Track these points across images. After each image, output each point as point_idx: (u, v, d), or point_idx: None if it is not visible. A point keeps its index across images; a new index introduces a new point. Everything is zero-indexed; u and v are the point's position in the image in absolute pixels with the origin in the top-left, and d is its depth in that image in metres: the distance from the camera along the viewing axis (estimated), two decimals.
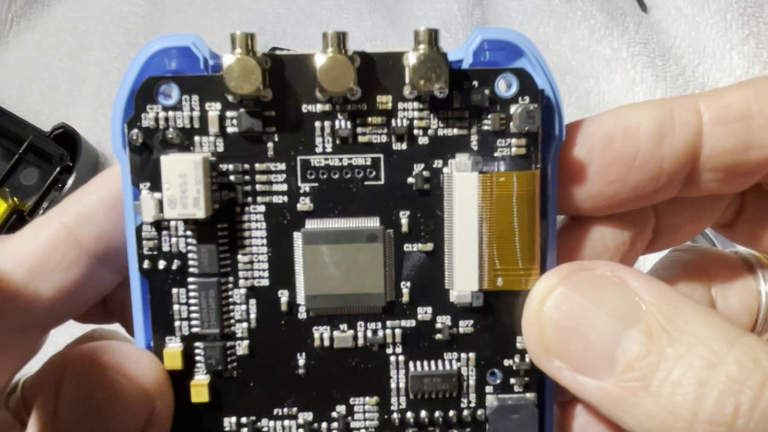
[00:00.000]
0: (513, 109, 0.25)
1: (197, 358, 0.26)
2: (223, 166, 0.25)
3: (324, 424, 0.27)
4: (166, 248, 0.25)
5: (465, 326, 0.27)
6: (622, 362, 0.22)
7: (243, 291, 0.26)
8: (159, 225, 0.25)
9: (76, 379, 0.25)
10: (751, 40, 0.50)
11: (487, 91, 0.25)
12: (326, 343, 0.26)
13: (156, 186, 0.25)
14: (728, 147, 0.25)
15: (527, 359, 0.27)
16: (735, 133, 0.25)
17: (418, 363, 0.27)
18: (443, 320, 0.26)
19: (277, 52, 0.25)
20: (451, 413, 0.27)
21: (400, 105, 0.25)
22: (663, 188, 0.26)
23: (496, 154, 0.25)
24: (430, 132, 0.25)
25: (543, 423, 0.28)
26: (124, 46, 0.50)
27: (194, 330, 0.26)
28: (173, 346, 0.26)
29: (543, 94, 0.25)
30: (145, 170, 0.25)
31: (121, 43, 0.50)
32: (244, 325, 0.26)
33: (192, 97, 0.25)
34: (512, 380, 0.27)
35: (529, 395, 0.27)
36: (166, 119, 0.25)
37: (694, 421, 0.21)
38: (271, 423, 0.27)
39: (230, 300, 0.26)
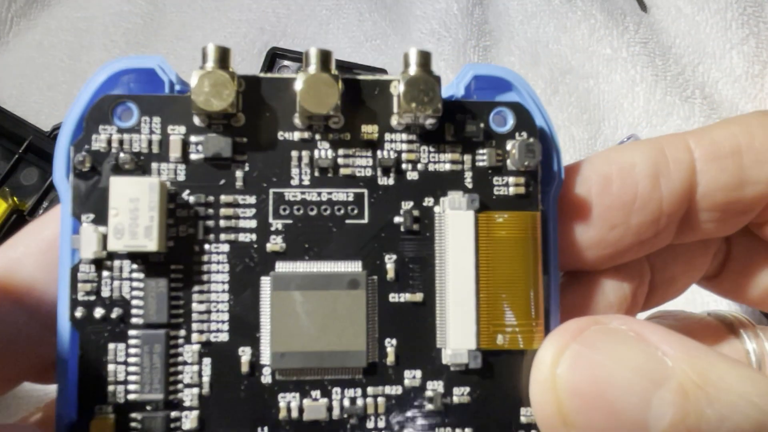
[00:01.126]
0: (510, 144, 0.23)
1: None
2: (184, 197, 0.22)
3: None
4: (105, 293, 0.21)
5: (460, 394, 0.22)
6: (657, 429, 0.19)
7: (196, 347, 0.22)
8: (100, 264, 0.21)
9: None
10: (751, 40, 0.50)
11: (482, 125, 0.23)
12: (294, 414, 0.22)
13: (101, 218, 0.21)
14: (723, 184, 0.24)
15: None
16: (728, 169, 0.24)
17: None
18: (435, 386, 0.22)
19: (259, 74, 0.22)
20: None
21: (387, 136, 0.23)
22: (662, 232, 0.24)
23: (493, 193, 0.23)
24: (419, 166, 0.23)
25: None
26: (124, 46, 0.50)
27: (132, 396, 0.21)
28: (104, 417, 0.21)
29: (541, 132, 0.24)
30: (90, 199, 0.21)
31: (121, 43, 0.50)
32: (195, 390, 0.21)
33: (153, 118, 0.22)
34: None
35: None
36: (121, 142, 0.22)
37: None
38: None
39: (180, 359, 0.21)
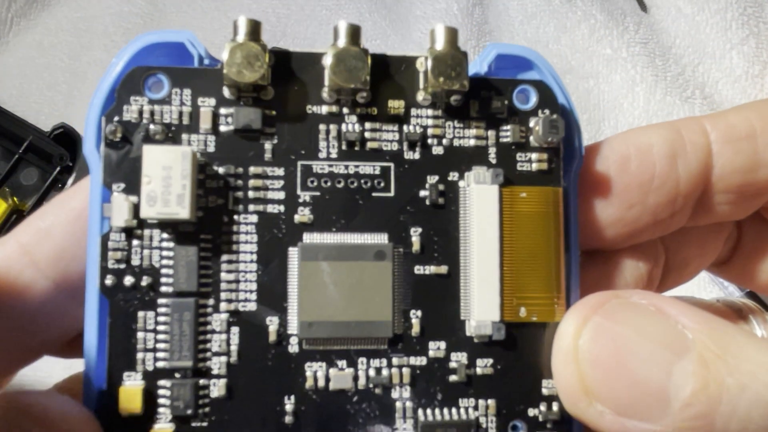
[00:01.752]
0: (533, 121, 0.23)
1: (161, 400, 0.21)
2: (213, 168, 0.22)
3: None
4: (136, 261, 0.22)
5: (484, 366, 0.23)
6: (678, 399, 0.19)
7: (224, 316, 0.22)
8: (130, 233, 0.22)
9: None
10: (751, 40, 0.51)
11: (506, 101, 0.23)
12: (320, 383, 0.22)
13: (131, 188, 0.21)
14: (738, 166, 0.24)
15: (555, 408, 0.23)
16: (743, 151, 0.24)
17: (429, 410, 0.22)
18: (459, 358, 0.23)
19: (292, 49, 0.23)
20: None
21: (413, 111, 0.23)
22: (678, 212, 0.25)
23: (516, 169, 0.23)
24: (445, 141, 0.23)
25: None
26: (124, 46, 0.49)
27: (160, 364, 0.21)
28: (132, 384, 0.21)
29: (563, 110, 0.24)
30: (121, 169, 0.22)
31: (121, 43, 0.50)
32: (223, 359, 0.22)
33: (183, 90, 0.22)
34: None
35: None
36: (152, 113, 0.22)
37: None
38: None
39: (208, 327, 0.22)
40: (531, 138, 0.23)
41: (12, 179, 0.51)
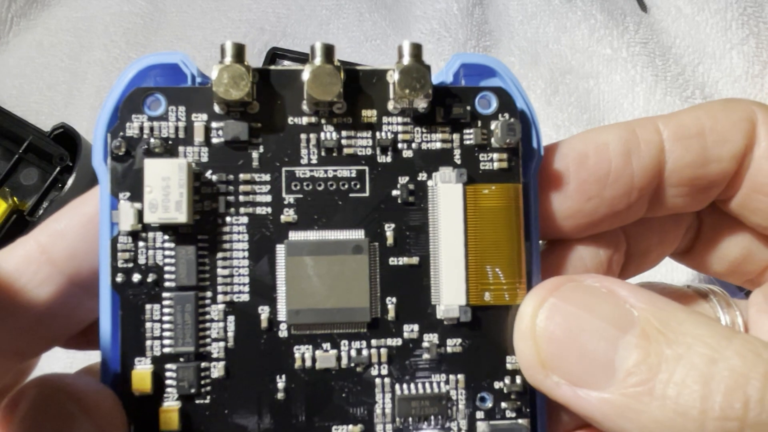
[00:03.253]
0: (494, 124, 0.26)
1: (168, 381, 0.24)
2: (207, 176, 0.25)
3: None
4: (142, 260, 0.24)
5: (453, 345, 0.26)
6: (622, 369, 0.22)
7: (221, 307, 0.25)
8: (136, 236, 0.24)
9: (26, 406, 0.23)
10: (751, 40, 0.51)
11: (468, 107, 0.26)
12: (308, 363, 0.25)
13: (136, 196, 0.24)
14: (688, 161, 0.26)
15: (518, 381, 0.26)
16: (693, 148, 0.26)
17: (405, 385, 0.25)
18: (430, 338, 0.25)
19: (271, 67, 0.25)
20: None
21: (385, 119, 0.26)
22: (634, 205, 0.27)
23: (479, 168, 0.26)
24: (414, 145, 0.26)
25: None
26: (124, 46, 0.50)
27: (167, 350, 0.24)
28: (143, 368, 0.24)
29: (522, 114, 0.26)
30: (126, 179, 0.24)
31: (121, 43, 0.50)
32: (221, 344, 0.25)
33: (179, 107, 0.25)
34: (503, 404, 0.26)
35: (522, 421, 0.25)
36: (151, 129, 0.25)
37: (704, 419, 0.20)
38: None
39: (207, 317, 0.25)
40: (492, 140, 0.26)
41: (12, 179, 0.51)
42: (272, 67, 0.25)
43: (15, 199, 0.50)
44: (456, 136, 0.26)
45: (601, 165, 0.27)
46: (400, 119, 0.26)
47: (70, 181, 0.49)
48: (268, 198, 0.25)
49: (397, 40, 0.54)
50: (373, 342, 0.25)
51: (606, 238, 0.28)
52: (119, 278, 0.24)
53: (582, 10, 0.53)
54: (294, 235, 0.25)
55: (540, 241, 0.27)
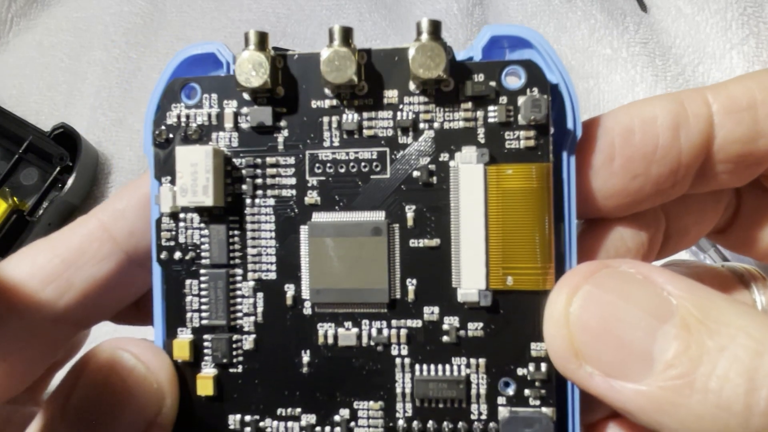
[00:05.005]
0: (520, 100, 0.24)
1: (205, 351, 0.26)
2: (237, 161, 0.26)
3: (327, 428, 0.26)
4: (182, 239, 0.27)
5: (474, 329, 0.25)
6: (661, 360, 0.20)
7: (251, 284, 0.26)
8: (176, 217, 0.27)
9: (96, 365, 0.26)
10: (751, 40, 0.49)
11: (493, 83, 0.25)
12: (330, 340, 0.26)
13: (175, 180, 0.26)
14: (739, 136, 0.24)
15: (543, 368, 0.25)
16: (744, 122, 0.24)
17: (424, 366, 0.25)
18: (451, 321, 0.25)
19: (283, 53, 0.26)
20: (460, 425, 0.25)
21: (406, 99, 0.25)
22: (680, 182, 0.25)
23: (504, 147, 0.25)
24: (435, 125, 0.25)
25: None
26: (124, 46, 0.50)
27: (204, 322, 0.26)
28: (183, 337, 0.26)
29: (556, 89, 0.25)
30: (167, 165, 0.26)
31: (121, 43, 0.50)
32: (251, 319, 0.26)
33: (211, 95, 0.26)
34: (527, 391, 0.25)
35: (546, 410, 0.25)
36: (188, 117, 0.26)
37: (749, 414, 0.19)
38: (274, 423, 0.26)
39: (238, 293, 0.26)
40: (518, 117, 0.25)
41: (12, 179, 0.50)
42: (295, 53, 0.26)
43: (15, 199, 0.50)
44: (480, 114, 0.25)
45: (648, 141, 0.25)
46: (421, 99, 0.25)
47: (70, 181, 0.49)
48: (293, 180, 0.26)
49: (398, 40, 0.53)
50: (393, 322, 0.25)
51: (646, 217, 0.26)
52: (163, 255, 0.27)
53: (582, 10, 0.51)
54: (317, 217, 0.26)
55: (576, 221, 0.26)
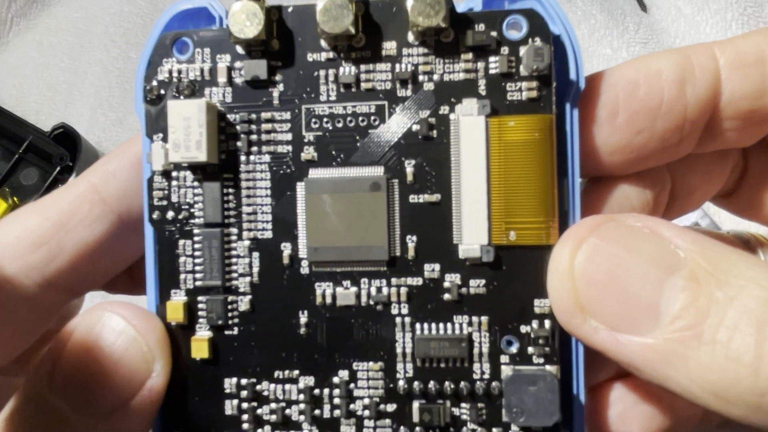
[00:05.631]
0: (522, 51, 0.24)
1: (200, 313, 0.26)
2: (231, 116, 0.25)
3: (326, 390, 0.25)
4: (174, 198, 0.26)
5: (476, 286, 0.24)
6: (668, 313, 0.20)
7: (246, 243, 0.26)
8: (168, 175, 0.26)
9: (85, 329, 0.25)
10: None
11: (494, 33, 0.24)
12: (328, 300, 0.25)
13: (167, 138, 0.25)
14: (746, 92, 0.24)
15: (546, 325, 0.24)
16: (752, 77, 0.24)
17: (425, 325, 0.25)
18: (452, 278, 0.25)
19: (291, 5, 0.25)
20: (462, 384, 0.24)
21: (405, 50, 0.25)
22: (686, 139, 0.25)
23: (506, 99, 0.24)
24: (435, 77, 0.24)
25: (571, 405, 0.25)
26: (124, 46, 0.49)
27: (198, 283, 0.26)
28: (177, 299, 0.26)
29: (558, 40, 0.24)
30: (159, 122, 0.26)
31: (121, 43, 0.50)
32: (247, 279, 0.26)
33: (204, 50, 0.25)
34: (530, 349, 0.24)
35: (550, 367, 0.24)
36: (180, 72, 0.26)
37: (760, 363, 0.18)
38: (272, 386, 0.25)
39: (233, 252, 0.26)
40: (521, 67, 0.24)
41: (12, 179, 0.50)
42: (289, 5, 0.25)
43: (15, 199, 0.50)
44: (481, 65, 0.24)
45: (654, 95, 0.24)
46: (421, 50, 0.25)
47: (69, 181, 0.47)
48: (289, 136, 0.25)
49: None
50: (393, 281, 0.25)
51: (651, 176, 0.26)
52: (155, 215, 0.26)
53: (582, 10, 0.51)
54: (314, 173, 0.25)
55: (580, 179, 0.25)
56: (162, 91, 0.26)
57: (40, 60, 0.50)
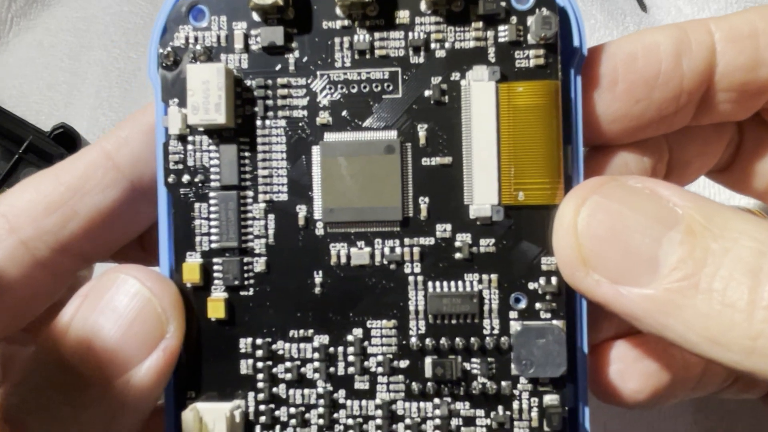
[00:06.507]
0: (530, 20, 0.25)
1: (215, 274, 0.26)
2: (247, 82, 0.26)
3: (340, 348, 0.26)
4: (190, 162, 0.26)
5: (486, 245, 0.26)
6: (667, 264, 0.21)
7: (262, 206, 0.26)
8: (184, 139, 0.26)
9: (100, 290, 0.25)
10: None
11: (503, 3, 0.25)
12: (343, 260, 0.26)
13: (183, 102, 0.26)
14: (740, 64, 0.25)
15: (554, 282, 0.25)
16: (745, 50, 0.25)
17: (437, 283, 0.26)
18: (463, 238, 0.26)
19: None
20: (473, 340, 0.25)
21: (418, 19, 0.26)
22: (682, 109, 0.26)
23: (515, 66, 0.25)
24: (447, 45, 0.26)
25: (575, 359, 0.26)
26: (124, 46, 0.49)
27: (214, 245, 0.26)
28: (193, 261, 0.26)
29: (563, 12, 0.26)
30: (175, 87, 0.26)
31: (121, 43, 0.49)
32: (262, 241, 0.26)
33: (220, 17, 0.26)
34: (538, 305, 0.25)
35: (557, 322, 0.25)
36: (196, 38, 0.26)
37: (753, 308, 0.20)
38: (287, 345, 0.26)
39: (249, 215, 0.26)
40: (528, 36, 0.25)
41: (12, 179, 0.49)
42: None
43: None
44: (490, 34, 0.25)
45: (651, 66, 0.26)
46: (433, 19, 0.26)
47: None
48: (304, 101, 0.26)
49: None
50: (406, 240, 0.26)
51: (650, 146, 0.27)
52: (171, 179, 0.26)
53: (582, 10, 0.52)
54: (329, 137, 0.26)
55: (582, 148, 0.27)
56: (178, 57, 0.26)
57: (40, 60, 0.50)
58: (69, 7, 0.50)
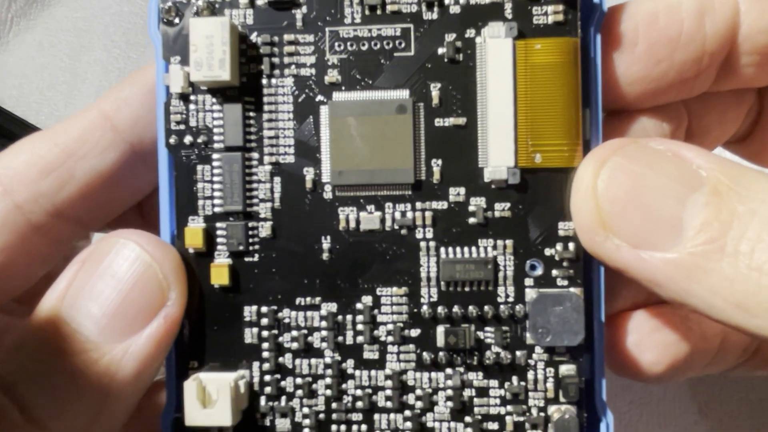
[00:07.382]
0: None
1: (219, 239, 0.25)
2: (252, 38, 0.25)
3: (349, 317, 0.25)
4: (192, 122, 0.25)
5: (501, 209, 0.25)
6: (691, 227, 0.20)
7: (268, 168, 0.25)
8: (186, 98, 0.25)
9: (100, 254, 0.24)
10: None
11: None
12: (352, 225, 0.25)
13: (185, 60, 0.25)
14: (764, 26, 0.24)
15: (571, 248, 0.24)
16: None
17: (450, 248, 0.25)
18: (477, 202, 0.25)
19: None
20: (487, 308, 0.24)
21: None
22: (703, 72, 0.25)
23: (532, 23, 0.24)
24: (461, 0, 0.24)
25: (591, 328, 0.25)
26: (124, 46, 0.49)
27: (217, 210, 0.25)
28: (196, 225, 0.25)
29: None
30: (176, 44, 0.25)
31: (121, 43, 0.49)
32: (268, 204, 0.25)
33: None
34: (555, 272, 0.24)
35: (574, 289, 0.24)
36: None
37: None
38: (293, 314, 0.25)
39: (254, 177, 0.25)
40: None
41: None
42: None
43: None
44: None
45: (673, 25, 0.25)
46: None
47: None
48: (312, 59, 0.25)
49: None
50: (418, 204, 0.25)
51: (669, 111, 0.26)
52: (172, 140, 0.25)
53: None
54: (338, 96, 0.25)
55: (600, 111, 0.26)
56: (180, 12, 0.25)
57: (40, 60, 0.49)
58: (69, 7, 0.50)
